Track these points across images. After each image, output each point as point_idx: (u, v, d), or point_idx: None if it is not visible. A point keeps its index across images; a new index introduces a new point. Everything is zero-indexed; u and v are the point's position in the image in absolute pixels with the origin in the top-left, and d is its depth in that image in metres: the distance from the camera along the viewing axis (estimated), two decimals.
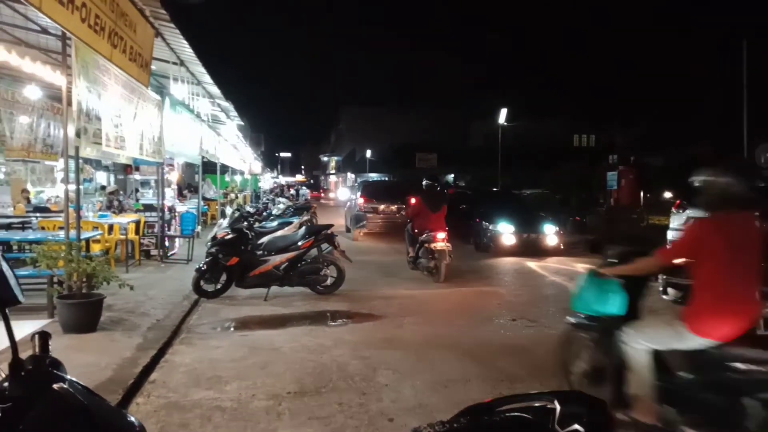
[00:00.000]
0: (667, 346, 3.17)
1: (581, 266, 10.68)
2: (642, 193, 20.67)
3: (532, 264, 11.10)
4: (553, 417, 1.40)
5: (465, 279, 9.25)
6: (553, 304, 7.40)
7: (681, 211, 12.34)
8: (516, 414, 1.48)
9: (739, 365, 2.92)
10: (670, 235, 10.73)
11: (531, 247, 12.25)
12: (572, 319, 3.99)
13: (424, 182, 9.92)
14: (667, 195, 22.42)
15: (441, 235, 8.86)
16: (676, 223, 12.23)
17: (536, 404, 1.48)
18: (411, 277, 9.22)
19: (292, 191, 36.14)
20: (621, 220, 17.53)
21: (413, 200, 9.95)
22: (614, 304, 3.46)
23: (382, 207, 16.55)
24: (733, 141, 20.08)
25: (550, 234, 12.54)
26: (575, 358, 3.94)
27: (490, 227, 12.65)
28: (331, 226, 8.46)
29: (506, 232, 12.37)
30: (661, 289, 6.17)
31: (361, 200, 17.18)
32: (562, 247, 12.44)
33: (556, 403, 1.42)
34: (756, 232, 3.17)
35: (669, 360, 3.19)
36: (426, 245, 8.97)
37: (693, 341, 3.05)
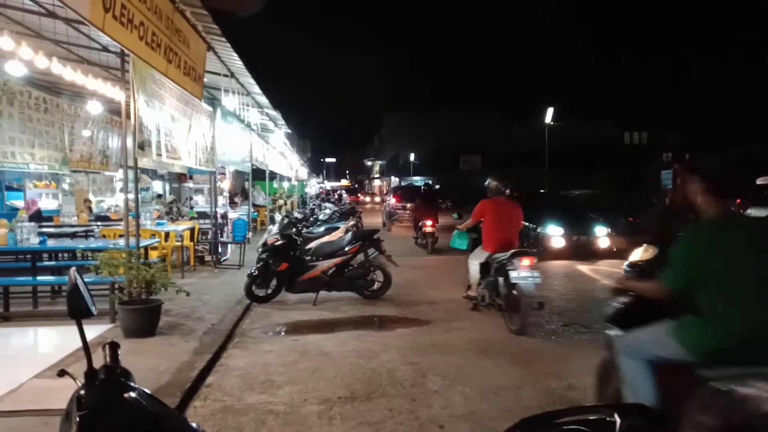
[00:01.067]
0: (480, 259, 6.63)
1: None
2: None
3: (583, 267, 10.83)
4: (613, 430, 1.37)
5: None
6: (607, 309, 7.18)
7: (742, 210, 11.72)
8: (574, 427, 1.46)
9: (497, 260, 6.30)
10: None
11: (581, 250, 11.94)
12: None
13: (422, 187, 16.15)
14: None
15: (429, 222, 13.55)
16: None
17: (595, 417, 1.45)
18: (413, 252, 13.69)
19: (336, 195, 36.90)
20: (677, 220, 16.84)
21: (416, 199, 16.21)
22: (464, 244, 7.22)
23: (409, 205, 20.33)
24: None
25: (602, 236, 12.20)
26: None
27: (538, 230, 12.41)
28: (377, 231, 8.52)
29: (555, 234, 12.10)
30: (624, 268, 7.53)
31: (393, 200, 22.64)
32: (614, 249, 12.06)
33: (615, 416, 1.39)
34: (508, 207, 6.72)
35: (486, 267, 6.58)
36: (421, 229, 13.91)
37: (484, 254, 6.58)
